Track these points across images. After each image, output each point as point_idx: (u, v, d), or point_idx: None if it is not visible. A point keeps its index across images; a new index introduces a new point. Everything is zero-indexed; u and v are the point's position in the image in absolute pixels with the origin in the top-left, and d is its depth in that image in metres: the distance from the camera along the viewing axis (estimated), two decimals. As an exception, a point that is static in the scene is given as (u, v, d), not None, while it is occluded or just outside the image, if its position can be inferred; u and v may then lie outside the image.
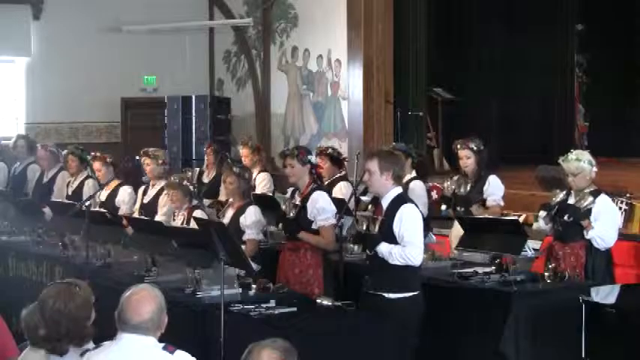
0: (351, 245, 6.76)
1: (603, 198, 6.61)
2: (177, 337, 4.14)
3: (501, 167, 9.51)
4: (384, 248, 5.60)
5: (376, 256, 5.67)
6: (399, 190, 5.77)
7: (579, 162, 6.61)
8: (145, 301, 3.71)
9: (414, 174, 7.65)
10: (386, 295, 5.65)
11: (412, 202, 5.83)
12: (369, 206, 6.32)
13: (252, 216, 6.80)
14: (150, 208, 8.14)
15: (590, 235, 6.51)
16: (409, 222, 5.61)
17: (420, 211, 6.33)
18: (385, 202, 5.71)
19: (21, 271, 8.04)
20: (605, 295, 6.15)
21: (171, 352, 3.71)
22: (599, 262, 6.59)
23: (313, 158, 6.76)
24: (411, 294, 5.67)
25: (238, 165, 7.50)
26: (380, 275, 5.68)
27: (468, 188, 7.41)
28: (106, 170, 8.61)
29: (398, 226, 5.59)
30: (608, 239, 6.56)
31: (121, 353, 3.67)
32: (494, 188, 7.33)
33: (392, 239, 5.61)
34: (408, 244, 5.58)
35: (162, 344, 3.73)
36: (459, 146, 7.43)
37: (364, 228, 5.83)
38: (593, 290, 6.05)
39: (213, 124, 12.74)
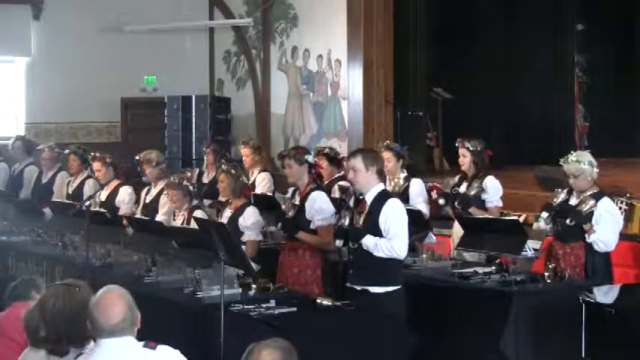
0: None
1: (605, 201, 6.60)
2: (177, 337, 4.15)
3: (501, 167, 9.51)
4: (369, 241, 5.64)
5: (359, 251, 5.70)
6: (382, 186, 5.86)
7: (579, 164, 6.60)
8: (113, 303, 3.65)
9: (405, 173, 7.75)
10: (371, 289, 5.69)
11: (396, 197, 5.95)
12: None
13: (250, 217, 6.80)
14: (151, 208, 8.15)
15: (591, 239, 6.50)
16: (395, 216, 5.67)
17: (419, 210, 6.34)
18: (369, 198, 5.77)
19: (21, 271, 8.03)
20: (605, 294, 6.16)
21: (153, 348, 3.68)
22: (599, 262, 6.59)
23: (310, 158, 6.76)
24: (394, 288, 5.71)
25: (230, 163, 7.49)
26: (364, 269, 5.71)
27: (465, 187, 7.47)
28: (106, 170, 8.62)
29: (384, 220, 5.65)
30: (609, 243, 6.56)
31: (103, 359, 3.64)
32: (492, 191, 7.40)
33: (377, 233, 5.65)
34: (394, 237, 5.62)
35: (143, 342, 3.70)
36: (457, 144, 7.57)
37: (347, 222, 5.85)
38: (593, 290, 6.05)
39: (213, 124, 12.73)
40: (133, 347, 3.66)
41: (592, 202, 6.54)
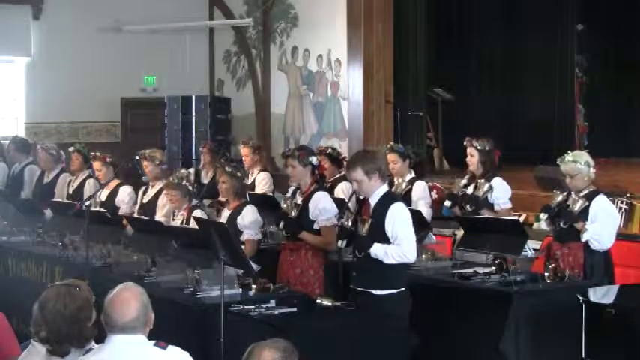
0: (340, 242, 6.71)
1: (600, 199, 6.55)
2: (177, 337, 4.14)
3: (501, 167, 9.50)
4: (378, 250, 5.59)
5: (364, 255, 5.67)
6: (385, 188, 5.82)
7: (576, 164, 6.55)
8: (128, 300, 3.68)
9: (412, 174, 7.72)
10: (374, 291, 5.66)
11: (399, 199, 5.94)
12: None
13: (249, 216, 6.79)
14: (149, 208, 8.14)
15: (585, 237, 6.46)
16: (401, 220, 5.64)
17: (419, 211, 6.29)
18: (373, 201, 5.74)
19: (21, 271, 8.04)
20: (605, 294, 6.15)
21: (164, 348, 3.70)
22: (598, 262, 6.57)
23: (314, 160, 6.74)
24: (398, 290, 5.68)
25: (231, 164, 7.48)
26: (368, 272, 5.68)
27: (472, 189, 7.36)
28: (106, 170, 8.61)
29: (391, 226, 5.60)
30: (604, 241, 6.50)
31: (113, 355, 3.65)
32: (499, 192, 7.21)
33: (383, 238, 5.61)
34: (403, 242, 5.59)
35: (154, 341, 3.72)
36: (465, 143, 7.42)
37: (350, 226, 5.84)
38: (593, 290, 6.05)
39: (213, 124, 12.73)
40: (143, 345, 3.68)
41: (581, 201, 6.48)
